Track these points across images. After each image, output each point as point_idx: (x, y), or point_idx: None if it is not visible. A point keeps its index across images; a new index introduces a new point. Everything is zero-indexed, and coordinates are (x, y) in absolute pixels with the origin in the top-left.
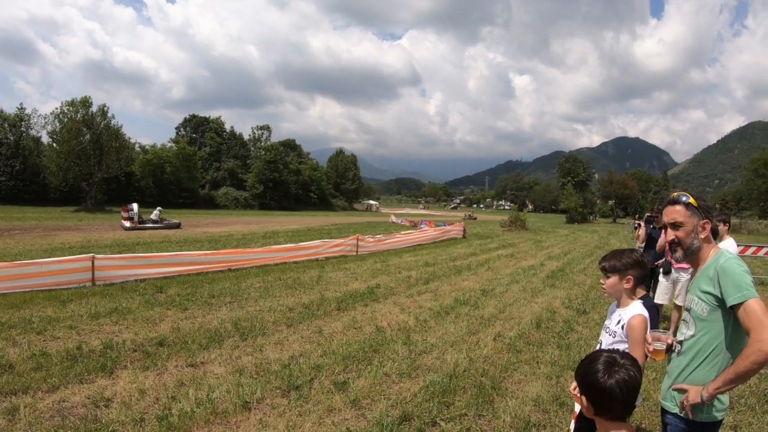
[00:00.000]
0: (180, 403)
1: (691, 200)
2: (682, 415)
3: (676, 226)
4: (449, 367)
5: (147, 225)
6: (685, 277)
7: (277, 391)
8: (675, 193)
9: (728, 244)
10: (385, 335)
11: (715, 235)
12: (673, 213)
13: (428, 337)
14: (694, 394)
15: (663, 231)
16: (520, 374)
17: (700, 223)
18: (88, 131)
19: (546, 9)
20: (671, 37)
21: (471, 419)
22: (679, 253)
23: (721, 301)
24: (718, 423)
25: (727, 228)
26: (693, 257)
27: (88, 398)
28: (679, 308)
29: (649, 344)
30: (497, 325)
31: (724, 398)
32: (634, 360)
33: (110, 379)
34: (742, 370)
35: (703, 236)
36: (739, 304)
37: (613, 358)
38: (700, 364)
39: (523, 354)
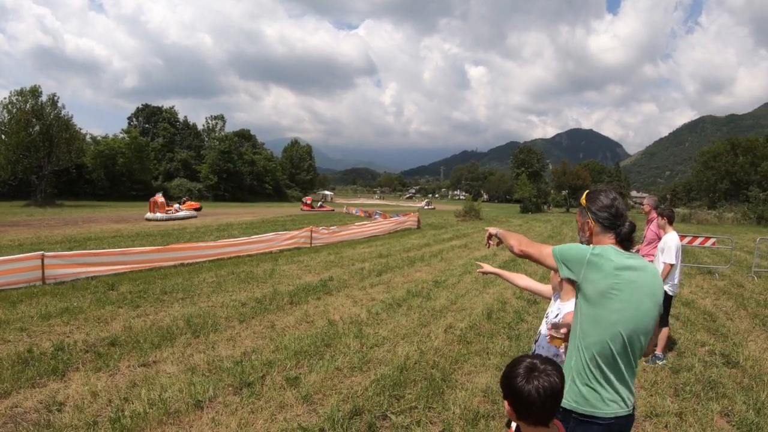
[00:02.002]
0: (133, 404)
1: (582, 200)
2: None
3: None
4: (400, 360)
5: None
6: None
7: (230, 388)
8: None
9: (671, 237)
10: (337, 329)
11: (624, 238)
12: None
13: (380, 330)
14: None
15: (647, 223)
16: (471, 365)
17: (586, 221)
18: (38, 122)
19: (504, 2)
20: (626, 32)
21: (421, 412)
22: None
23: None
24: (588, 420)
25: (665, 221)
26: None
27: (41, 403)
28: None
29: (549, 331)
30: (449, 316)
31: (586, 391)
32: (556, 365)
33: (62, 382)
34: (507, 237)
35: (587, 235)
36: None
37: (534, 364)
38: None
39: (474, 345)
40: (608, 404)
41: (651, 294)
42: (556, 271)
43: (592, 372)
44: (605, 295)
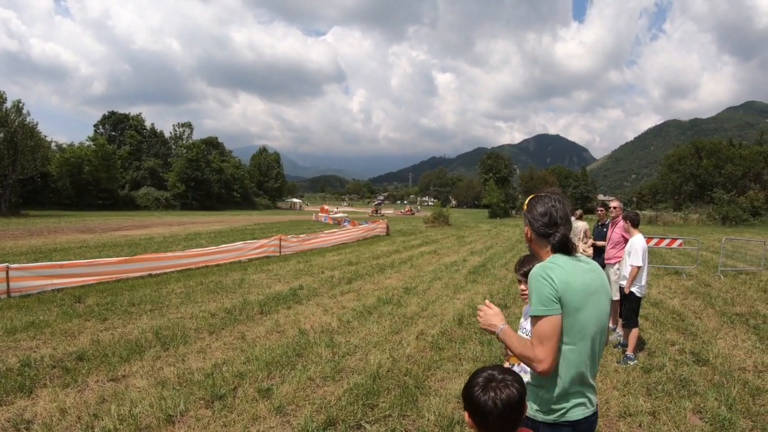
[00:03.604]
0: (102, 420)
1: (524, 205)
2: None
3: None
4: (373, 368)
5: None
6: (611, 270)
7: (201, 402)
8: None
9: (637, 239)
10: (308, 338)
11: (566, 244)
12: None
13: (351, 339)
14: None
15: (610, 227)
16: (443, 372)
17: (525, 227)
18: (2, 129)
19: (472, 10)
20: (592, 39)
21: (395, 420)
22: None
23: None
24: (558, 424)
25: (629, 224)
26: (536, 261)
27: (8, 421)
28: (612, 301)
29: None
30: (420, 323)
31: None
32: (516, 376)
33: (30, 399)
34: (514, 347)
35: (528, 242)
36: (534, 317)
37: (492, 375)
38: None
39: (446, 351)
40: (577, 407)
41: (605, 292)
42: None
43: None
44: (578, 309)
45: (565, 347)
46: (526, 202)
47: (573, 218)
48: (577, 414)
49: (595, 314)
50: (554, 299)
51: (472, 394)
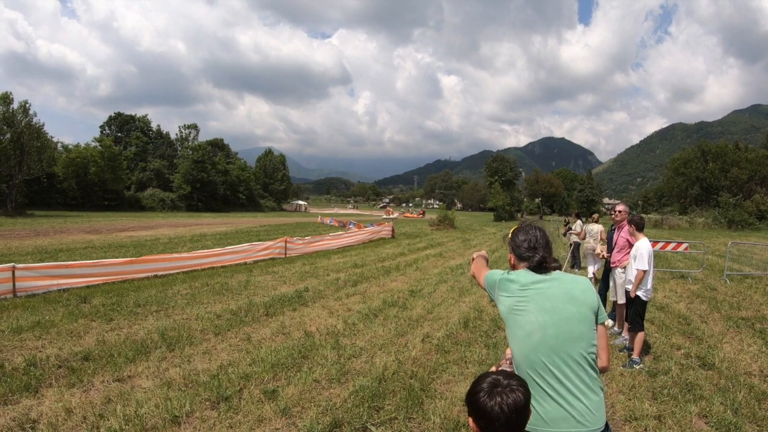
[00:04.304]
0: (108, 420)
1: (508, 235)
2: None
3: None
4: (378, 370)
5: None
6: (616, 273)
7: (207, 403)
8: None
9: (642, 243)
10: (313, 340)
11: (537, 264)
12: None
13: (357, 341)
14: None
15: (617, 230)
16: (449, 375)
17: (509, 254)
18: (9, 130)
19: (477, 12)
20: (597, 42)
21: (401, 422)
22: None
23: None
24: None
25: (634, 228)
26: None
27: (14, 420)
28: (618, 305)
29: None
30: (425, 325)
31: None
32: (521, 381)
33: (35, 399)
34: (474, 261)
35: (510, 265)
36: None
37: (497, 380)
38: None
39: (452, 354)
40: (552, 422)
41: (569, 299)
42: None
43: (534, 389)
44: (512, 312)
45: (515, 360)
46: (510, 233)
47: (590, 221)
48: None
49: (550, 319)
50: (491, 282)
51: (478, 399)
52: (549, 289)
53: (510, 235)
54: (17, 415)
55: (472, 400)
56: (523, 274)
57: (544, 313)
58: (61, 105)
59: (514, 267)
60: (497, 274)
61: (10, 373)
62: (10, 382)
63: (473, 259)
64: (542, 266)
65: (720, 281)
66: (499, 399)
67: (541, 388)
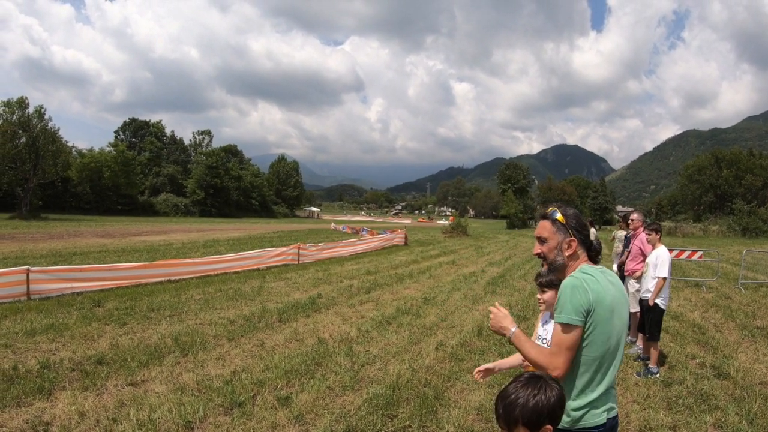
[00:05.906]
0: (121, 424)
1: (559, 217)
2: None
3: (542, 240)
4: (392, 378)
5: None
6: (630, 282)
7: (220, 408)
8: (549, 209)
9: (660, 251)
10: (327, 347)
11: (596, 253)
12: (541, 228)
13: (370, 348)
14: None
15: (632, 239)
16: (463, 383)
17: (565, 240)
18: (24, 134)
19: (489, 20)
20: (610, 48)
21: (415, 431)
22: (545, 267)
23: None
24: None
25: (657, 236)
26: (559, 273)
27: (27, 422)
28: (631, 314)
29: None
30: (439, 333)
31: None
32: (549, 376)
33: (49, 401)
34: (527, 351)
35: (567, 253)
36: (562, 324)
37: (532, 377)
38: None
39: (465, 363)
40: (607, 412)
41: (626, 302)
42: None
43: (591, 385)
44: (606, 320)
45: (588, 357)
46: (565, 215)
47: (618, 227)
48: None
49: (619, 325)
50: (584, 311)
51: (529, 402)
52: (619, 294)
53: (563, 217)
54: (30, 417)
55: (528, 406)
56: (598, 285)
57: (621, 320)
58: (76, 110)
59: (569, 256)
60: (582, 299)
61: (23, 375)
62: (24, 384)
63: (508, 338)
64: (599, 254)
65: (735, 290)
66: (549, 390)
67: (602, 383)
